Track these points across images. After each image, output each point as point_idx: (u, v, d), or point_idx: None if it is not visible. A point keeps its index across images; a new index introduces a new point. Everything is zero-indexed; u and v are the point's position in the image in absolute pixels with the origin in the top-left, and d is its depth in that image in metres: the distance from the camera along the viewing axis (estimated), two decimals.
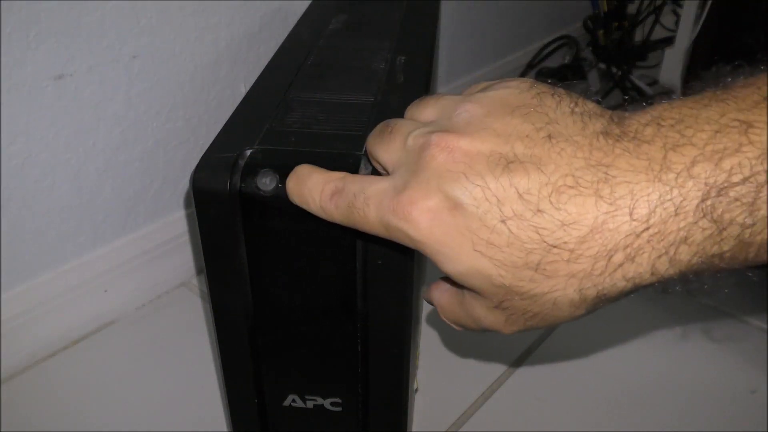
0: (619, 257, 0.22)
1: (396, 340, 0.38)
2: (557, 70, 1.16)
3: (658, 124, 0.22)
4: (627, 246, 0.22)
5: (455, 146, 0.24)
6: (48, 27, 0.54)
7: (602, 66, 1.15)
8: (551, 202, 0.22)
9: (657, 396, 0.59)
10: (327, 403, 0.41)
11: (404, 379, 0.40)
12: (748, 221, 0.21)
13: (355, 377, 0.40)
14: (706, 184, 0.21)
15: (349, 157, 0.34)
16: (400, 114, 0.39)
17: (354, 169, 0.34)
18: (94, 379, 0.61)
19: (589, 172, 0.22)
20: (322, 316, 0.37)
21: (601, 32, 1.12)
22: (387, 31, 0.53)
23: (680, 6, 1.05)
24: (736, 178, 0.21)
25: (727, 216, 0.21)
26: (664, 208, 0.22)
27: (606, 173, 0.22)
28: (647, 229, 0.22)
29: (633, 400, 0.59)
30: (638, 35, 1.21)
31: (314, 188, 0.29)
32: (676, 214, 0.21)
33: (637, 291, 0.24)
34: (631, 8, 1.18)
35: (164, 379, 0.61)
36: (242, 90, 0.71)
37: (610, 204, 0.22)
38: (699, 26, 0.93)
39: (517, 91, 0.26)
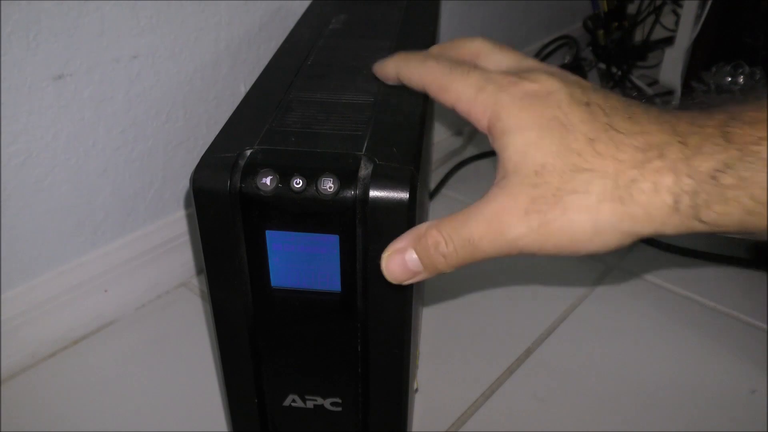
0: (653, 154, 0.25)
1: (396, 339, 0.38)
2: None
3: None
4: (661, 147, 0.25)
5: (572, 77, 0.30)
6: (48, 27, 0.54)
7: (602, 66, 1.15)
8: (625, 107, 0.27)
9: (657, 396, 0.59)
10: (327, 403, 0.41)
11: (404, 379, 0.40)
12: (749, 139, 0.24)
13: (355, 377, 0.40)
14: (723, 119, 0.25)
15: (349, 156, 0.34)
16: (398, 112, 0.40)
17: (354, 168, 0.34)
18: (94, 379, 0.61)
19: (655, 108, 0.28)
20: (322, 315, 0.38)
21: (601, 32, 1.12)
22: (387, 31, 0.53)
23: (680, 6, 1.04)
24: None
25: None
26: (690, 126, 0.26)
27: (666, 110, 0.27)
28: (681, 139, 0.25)
29: (633, 400, 0.59)
30: (638, 35, 1.21)
31: (415, 58, 0.34)
32: (694, 131, 0.25)
33: (657, 206, 0.25)
34: (631, 8, 1.18)
35: (164, 379, 0.61)
36: (242, 90, 0.71)
37: (657, 118, 0.26)
38: (699, 26, 0.93)
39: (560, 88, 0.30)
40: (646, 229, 0.25)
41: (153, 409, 0.58)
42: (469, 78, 0.29)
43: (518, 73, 0.29)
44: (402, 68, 0.34)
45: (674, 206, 0.24)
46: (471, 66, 0.30)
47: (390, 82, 0.36)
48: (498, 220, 0.27)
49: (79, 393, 0.60)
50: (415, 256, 0.29)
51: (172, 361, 0.63)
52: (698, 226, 0.25)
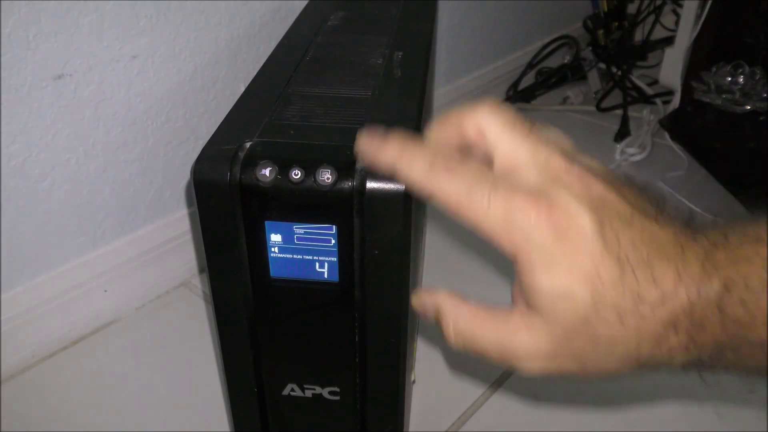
0: (670, 330, 0.26)
1: (393, 329, 0.38)
2: (557, 70, 1.16)
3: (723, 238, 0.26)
4: (677, 321, 0.25)
5: (592, 182, 0.27)
6: (48, 27, 0.54)
7: (602, 66, 1.15)
8: (649, 257, 0.25)
9: (656, 396, 0.59)
10: (325, 392, 0.41)
11: (401, 369, 0.40)
12: (746, 320, 0.24)
13: (352, 367, 0.40)
14: (724, 284, 0.25)
15: (347, 148, 0.35)
16: (395, 106, 0.40)
17: (352, 160, 0.34)
18: (94, 379, 0.61)
19: (672, 248, 0.26)
20: (320, 306, 0.38)
21: (601, 32, 1.13)
22: (384, 27, 0.53)
23: (680, 6, 1.05)
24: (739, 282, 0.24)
25: (729, 310, 0.24)
26: (700, 297, 0.25)
27: (683, 254, 0.26)
28: (691, 311, 0.25)
29: (632, 400, 0.59)
30: (638, 35, 1.21)
31: (419, 159, 0.28)
32: (705, 303, 0.25)
33: (672, 366, 0.27)
34: (631, 8, 1.18)
35: (164, 379, 0.61)
36: (242, 89, 0.72)
37: (678, 277, 0.25)
38: (699, 26, 0.93)
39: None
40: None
41: (153, 408, 0.58)
42: (493, 204, 0.26)
43: (544, 195, 0.26)
44: (403, 168, 0.29)
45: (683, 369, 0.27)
46: (491, 183, 0.27)
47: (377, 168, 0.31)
48: (514, 355, 0.28)
49: (79, 393, 0.60)
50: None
51: (172, 361, 0.63)
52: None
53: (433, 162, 0.28)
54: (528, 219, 0.26)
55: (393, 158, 0.29)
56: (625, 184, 0.28)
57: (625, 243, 0.25)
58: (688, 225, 0.27)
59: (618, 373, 0.27)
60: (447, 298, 0.30)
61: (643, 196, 0.27)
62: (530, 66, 1.16)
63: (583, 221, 0.26)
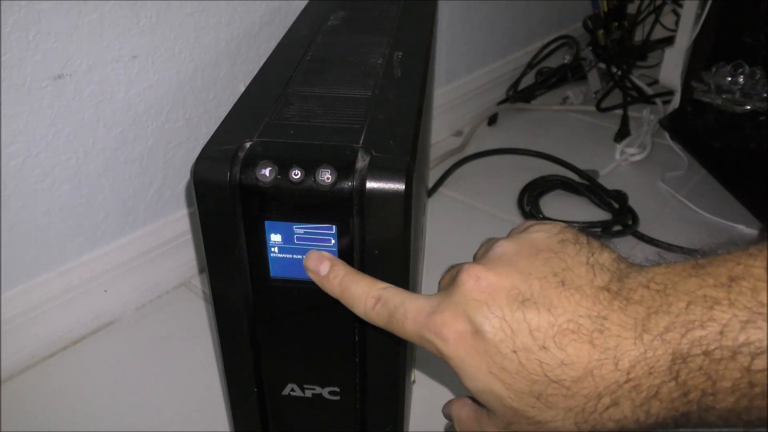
0: (606, 401, 0.25)
1: None
2: (557, 70, 1.16)
3: (648, 287, 0.25)
4: (612, 392, 0.25)
5: (482, 276, 0.27)
6: (48, 27, 0.54)
7: (602, 66, 1.15)
8: (555, 342, 0.26)
9: None
10: (325, 392, 0.41)
11: (401, 369, 0.40)
12: (709, 390, 0.23)
13: (353, 367, 0.40)
14: (674, 351, 0.24)
15: (347, 148, 0.35)
16: (395, 106, 0.40)
17: (352, 160, 0.34)
18: (94, 379, 0.61)
19: (589, 321, 0.25)
20: (320, 305, 0.37)
21: (601, 32, 1.13)
22: (384, 27, 0.53)
23: (680, 6, 1.05)
24: (696, 351, 0.23)
25: (690, 382, 0.24)
26: (641, 366, 0.24)
27: (602, 324, 0.25)
28: (628, 381, 0.25)
29: None
30: (638, 35, 1.21)
31: (360, 296, 0.32)
32: (650, 373, 0.24)
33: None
34: (631, 8, 1.18)
35: (164, 379, 0.61)
36: (242, 90, 0.72)
37: (601, 353, 0.25)
38: (699, 26, 0.93)
39: (546, 235, 0.29)
40: None
41: (153, 408, 0.58)
42: (408, 325, 0.30)
43: (438, 312, 0.28)
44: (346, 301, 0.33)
45: None
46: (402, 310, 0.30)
47: None
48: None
49: (79, 393, 0.60)
50: None
51: (172, 361, 0.63)
52: None
53: (367, 298, 0.32)
54: (432, 337, 0.28)
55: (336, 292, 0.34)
56: (559, 249, 0.28)
57: (519, 330, 0.26)
58: (622, 284, 0.26)
59: None
60: (455, 404, 0.34)
61: (578, 257, 0.27)
62: (530, 66, 1.16)
63: (463, 327, 0.27)
